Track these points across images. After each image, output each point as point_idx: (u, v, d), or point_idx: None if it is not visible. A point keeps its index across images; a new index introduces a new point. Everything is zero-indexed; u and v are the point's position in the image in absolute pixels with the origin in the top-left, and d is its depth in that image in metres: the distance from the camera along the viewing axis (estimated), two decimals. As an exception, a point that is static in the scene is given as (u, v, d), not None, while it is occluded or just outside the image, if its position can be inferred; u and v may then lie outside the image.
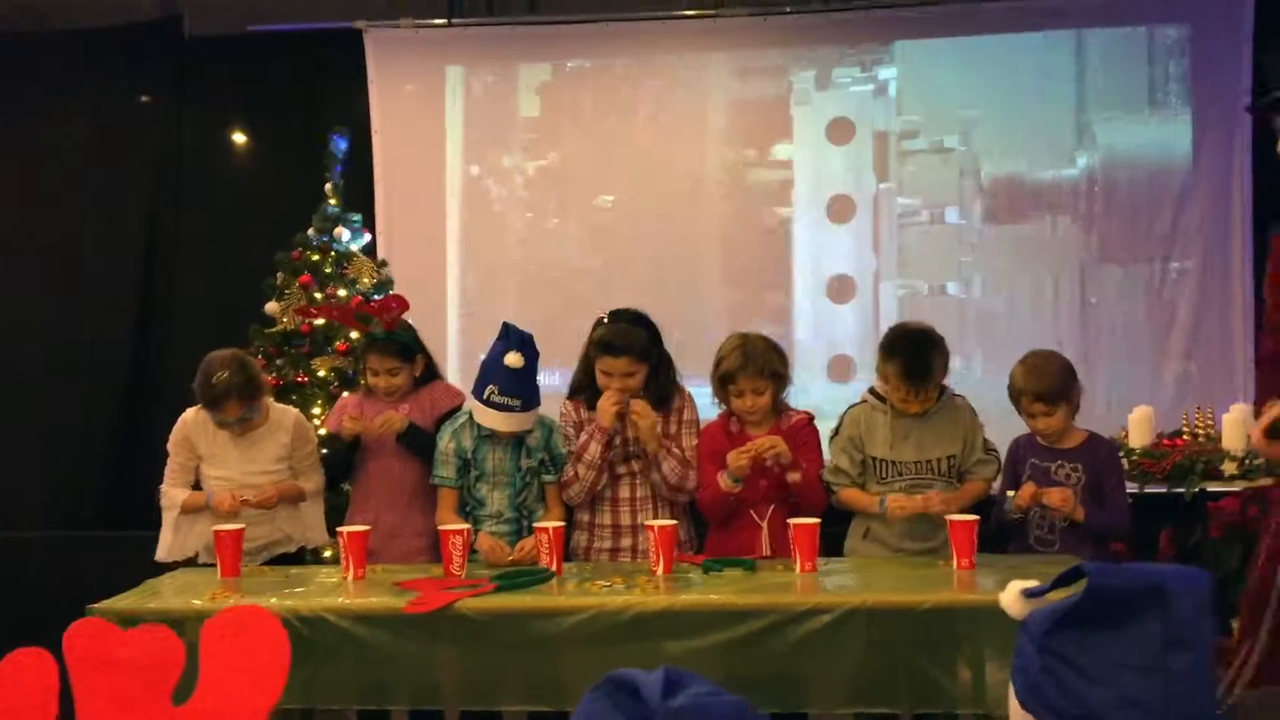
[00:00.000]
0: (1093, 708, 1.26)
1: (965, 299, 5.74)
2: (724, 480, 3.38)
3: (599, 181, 5.96)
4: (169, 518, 3.63)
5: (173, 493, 3.62)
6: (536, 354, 3.43)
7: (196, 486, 3.64)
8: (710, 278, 5.89)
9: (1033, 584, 1.43)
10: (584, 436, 3.47)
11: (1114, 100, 5.70)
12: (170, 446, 3.63)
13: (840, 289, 5.86)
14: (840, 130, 5.86)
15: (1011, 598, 1.43)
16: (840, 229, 5.86)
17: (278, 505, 3.59)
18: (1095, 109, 5.71)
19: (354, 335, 4.45)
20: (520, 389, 3.38)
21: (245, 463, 3.57)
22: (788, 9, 5.88)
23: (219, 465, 3.59)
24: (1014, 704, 1.35)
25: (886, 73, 5.83)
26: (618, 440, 3.49)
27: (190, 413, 3.63)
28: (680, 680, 1.20)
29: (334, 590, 3.02)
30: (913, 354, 3.36)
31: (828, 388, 5.67)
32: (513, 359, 3.34)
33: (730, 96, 5.92)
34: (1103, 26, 5.72)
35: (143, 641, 2.08)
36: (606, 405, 3.41)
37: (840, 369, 5.74)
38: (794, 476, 3.39)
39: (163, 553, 3.62)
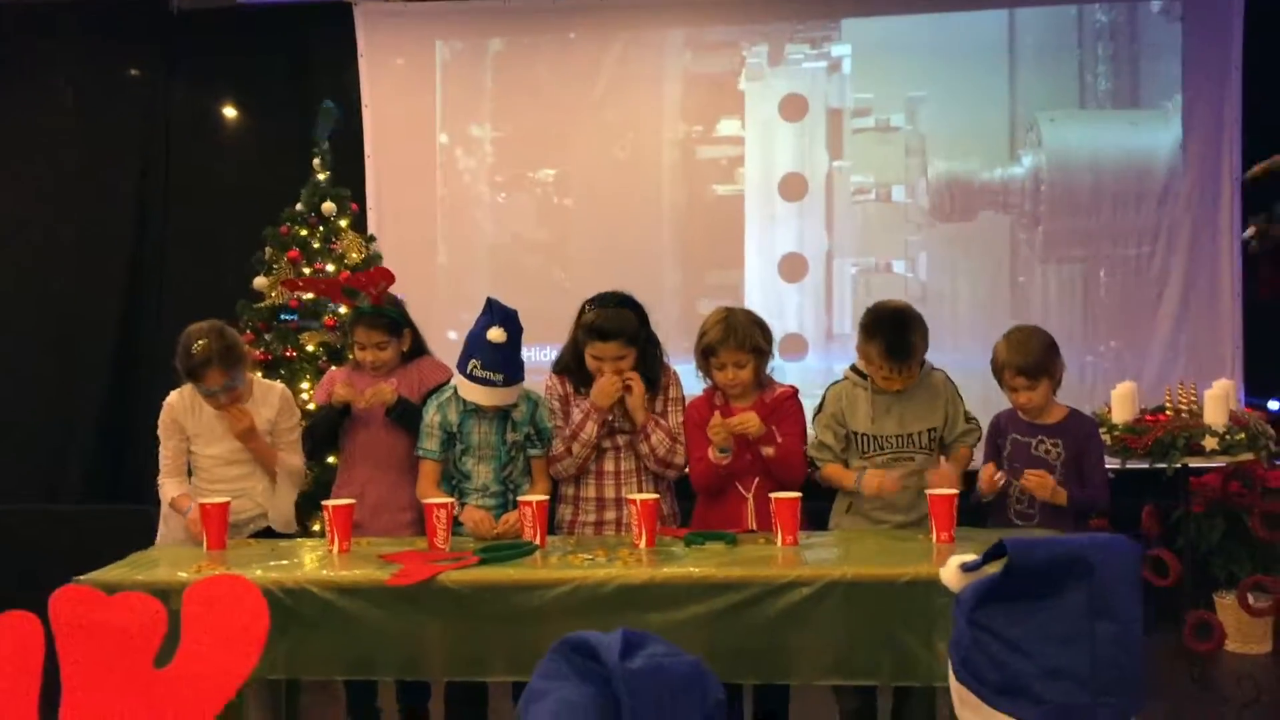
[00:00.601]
0: (1020, 678, 1.27)
1: (911, 278, 5.80)
2: (713, 452, 3.41)
3: (548, 156, 5.97)
4: (166, 507, 3.63)
5: (167, 485, 3.61)
6: (520, 329, 3.44)
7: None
8: (661, 255, 5.92)
9: (970, 558, 1.45)
10: (579, 415, 3.48)
11: (1084, 80, 5.70)
12: (160, 432, 3.62)
13: (791, 267, 5.87)
14: (793, 107, 5.86)
15: (950, 572, 1.45)
16: (792, 206, 5.86)
17: (259, 478, 3.60)
18: (1059, 88, 5.72)
19: (342, 310, 4.46)
20: (503, 364, 3.39)
21: (233, 440, 3.57)
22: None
23: (208, 443, 3.59)
24: (951, 677, 1.37)
25: (839, 49, 5.83)
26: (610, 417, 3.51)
27: (174, 395, 3.62)
28: (638, 641, 1.22)
29: (319, 563, 3.04)
30: (894, 333, 3.39)
31: (778, 365, 5.71)
32: (495, 334, 3.35)
33: (683, 71, 5.94)
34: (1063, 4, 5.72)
35: (126, 607, 2.10)
36: (606, 387, 3.42)
37: (791, 346, 5.75)
38: (768, 450, 3.42)
39: (161, 539, 3.63)
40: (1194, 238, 5.63)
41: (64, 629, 2.07)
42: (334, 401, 3.57)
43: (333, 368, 4.10)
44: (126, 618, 2.07)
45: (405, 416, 3.56)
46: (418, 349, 3.78)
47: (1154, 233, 5.68)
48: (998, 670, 1.29)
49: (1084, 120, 5.72)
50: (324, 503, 3.23)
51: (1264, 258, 2.90)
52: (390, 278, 3.70)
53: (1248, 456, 4.01)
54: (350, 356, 3.80)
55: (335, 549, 3.14)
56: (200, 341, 3.45)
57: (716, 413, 3.43)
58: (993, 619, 1.31)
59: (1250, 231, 3.52)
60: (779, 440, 3.42)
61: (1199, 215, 5.62)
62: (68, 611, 2.08)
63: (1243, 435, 3.96)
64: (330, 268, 4.77)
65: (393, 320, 3.67)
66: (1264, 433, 4.04)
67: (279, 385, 3.77)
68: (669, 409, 3.56)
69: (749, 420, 3.36)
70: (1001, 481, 3.37)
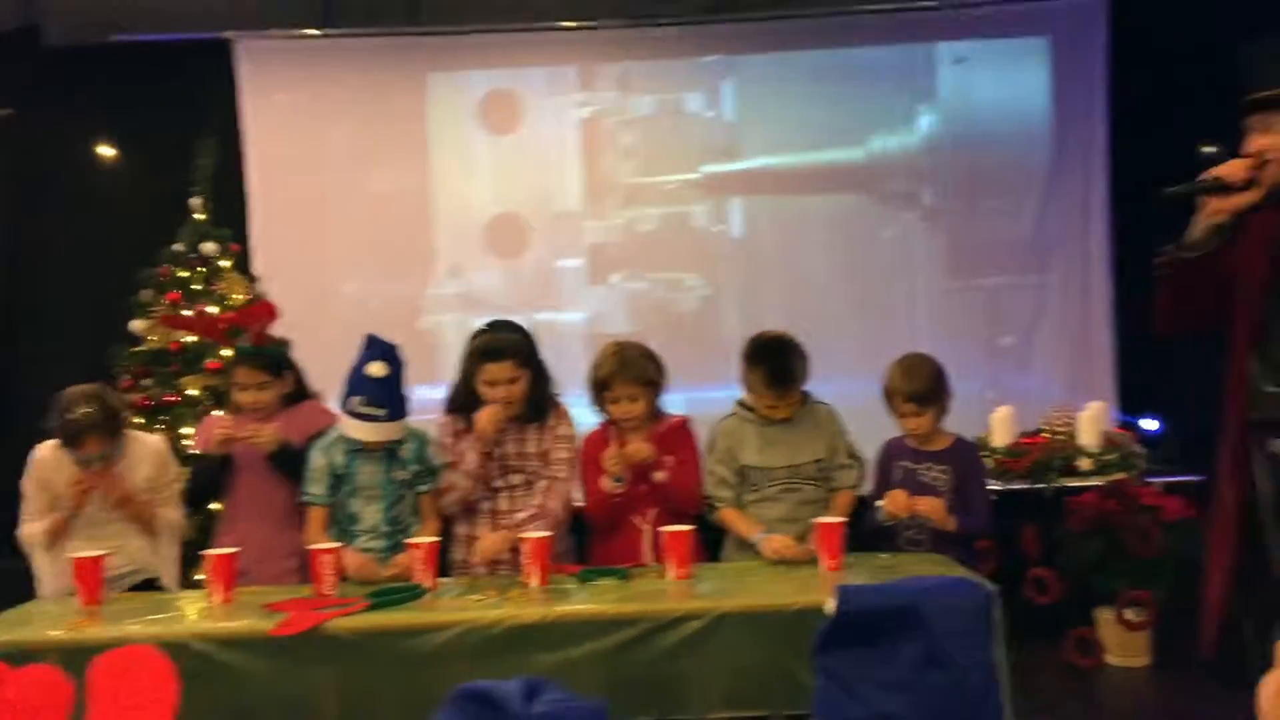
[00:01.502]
0: None
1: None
2: (606, 482, 3.42)
3: (473, 196, 5.96)
4: (40, 557, 3.48)
5: (27, 529, 3.47)
6: (401, 363, 3.41)
7: None
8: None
9: (846, 588, 1.47)
10: (462, 445, 3.45)
11: (973, 109, 5.89)
12: (26, 488, 3.48)
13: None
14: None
15: (830, 605, 1.47)
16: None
17: (133, 535, 3.49)
18: (951, 118, 5.90)
19: (225, 353, 4.35)
20: (385, 398, 3.35)
21: (106, 499, 3.45)
22: (662, 20, 5.93)
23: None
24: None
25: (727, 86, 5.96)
26: (497, 452, 3.48)
27: (44, 449, 3.49)
28: (538, 687, 1.21)
29: (200, 615, 2.95)
30: (775, 361, 3.45)
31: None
32: (375, 368, 3.31)
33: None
34: (955, 39, 5.92)
35: (31, 681, 2.01)
36: (486, 416, 3.40)
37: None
38: (659, 476, 3.46)
39: (47, 592, 3.47)
40: (1068, 265, 5.84)
41: None
42: (213, 450, 3.48)
43: (211, 413, 3.98)
44: (31, 692, 1.99)
45: (288, 462, 3.48)
46: (301, 393, 3.71)
47: (1030, 260, 5.87)
48: (836, 712, 1.31)
49: (957, 149, 5.90)
50: (204, 552, 3.13)
51: (1162, 289, 2.96)
52: (273, 313, 3.64)
53: (1121, 475, 4.16)
54: (231, 399, 3.70)
55: (217, 600, 3.05)
56: (82, 409, 3.33)
57: (613, 443, 3.44)
58: (835, 662, 1.33)
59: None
60: (669, 464, 3.46)
61: (1072, 243, 5.84)
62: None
63: (1115, 455, 4.11)
64: (212, 309, 4.66)
65: (274, 360, 3.59)
66: (1135, 452, 4.20)
67: (155, 439, 3.66)
68: (558, 445, 3.55)
69: (641, 447, 3.39)
70: (903, 507, 3.40)
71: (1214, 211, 2.71)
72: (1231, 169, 2.71)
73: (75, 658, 2.69)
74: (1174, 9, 5.50)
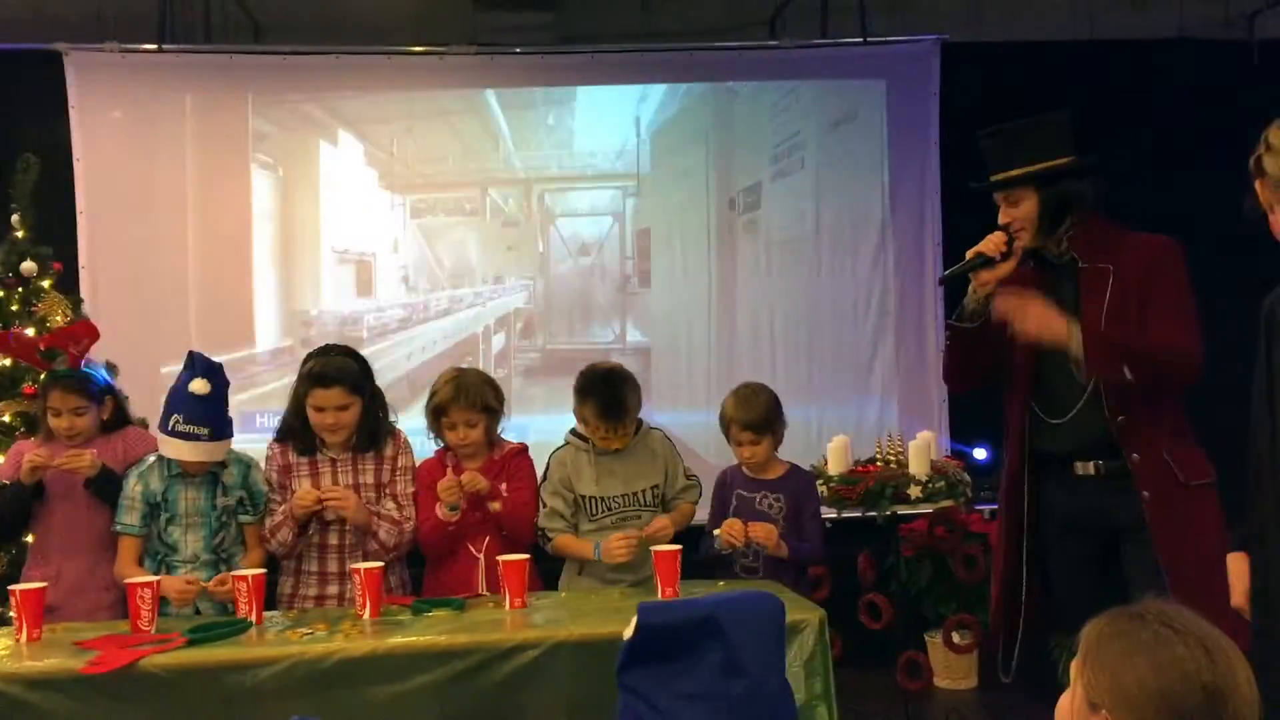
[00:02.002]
0: None
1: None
2: (441, 510, 3.39)
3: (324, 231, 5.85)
4: None
5: None
6: (226, 383, 3.31)
7: None
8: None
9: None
10: (278, 516, 3.35)
11: (817, 146, 6.08)
12: None
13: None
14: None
15: (630, 630, 1.48)
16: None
17: None
18: (792, 154, 6.07)
19: (43, 376, 4.12)
20: (208, 417, 3.24)
21: None
22: (517, 49, 5.95)
23: None
24: None
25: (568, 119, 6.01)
26: (331, 484, 3.40)
27: None
28: None
29: (5, 654, 2.77)
30: (607, 393, 3.47)
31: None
32: (198, 385, 3.20)
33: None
34: (801, 79, 6.10)
35: None
36: (302, 500, 3.30)
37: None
38: (495, 506, 3.44)
39: None
40: (902, 299, 6.06)
41: None
42: (23, 477, 3.30)
43: (19, 440, 3.78)
44: None
45: (106, 488, 3.32)
46: (121, 419, 3.55)
47: (868, 294, 6.07)
48: None
49: (803, 184, 6.07)
50: (11, 588, 2.96)
51: (948, 353, 3.29)
52: (93, 333, 3.48)
53: (948, 503, 4.32)
54: (43, 424, 3.51)
55: (24, 637, 2.87)
56: None
57: (450, 470, 3.41)
58: (637, 681, 1.34)
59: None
60: (504, 495, 3.44)
61: (906, 279, 6.06)
62: None
63: (943, 483, 4.26)
64: (31, 332, 4.41)
65: (92, 384, 3.43)
66: (962, 480, 4.37)
67: None
68: (397, 477, 3.49)
69: (476, 477, 3.37)
70: (740, 535, 3.45)
71: (982, 284, 3.05)
72: (989, 244, 3.05)
73: None
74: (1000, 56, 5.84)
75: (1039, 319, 2.92)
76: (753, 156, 6.06)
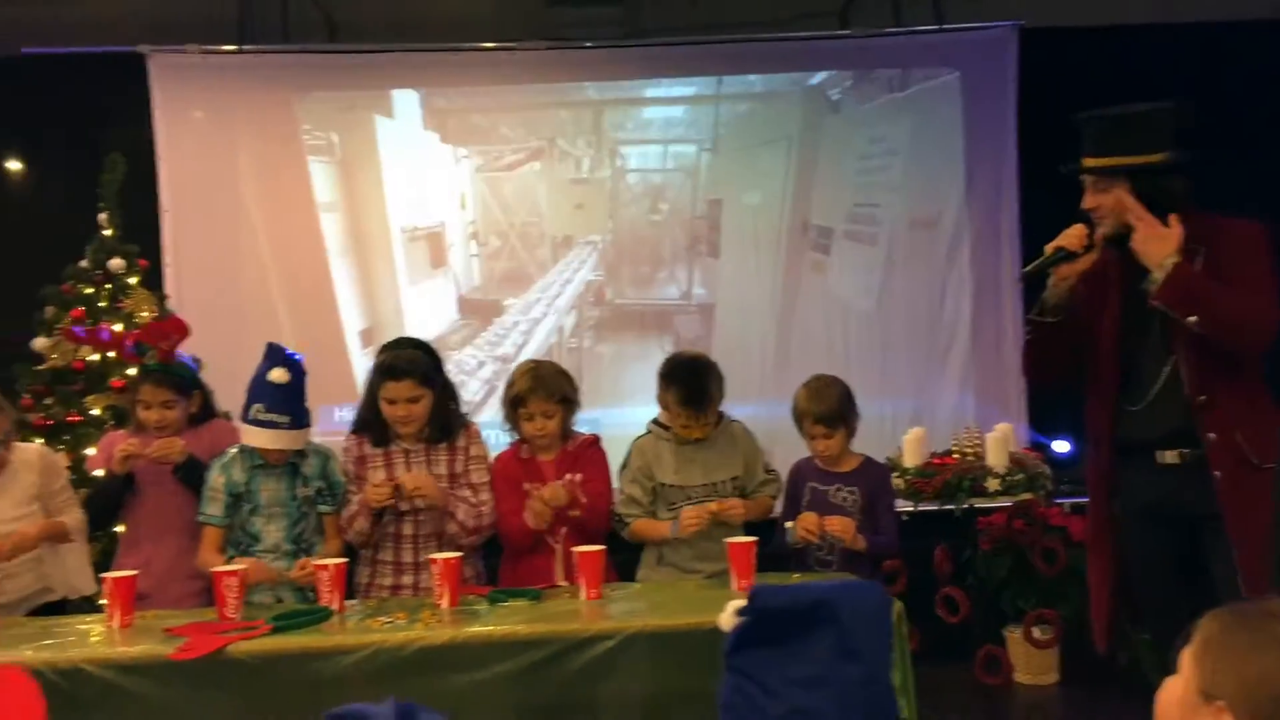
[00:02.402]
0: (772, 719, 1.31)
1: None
2: (530, 518, 3.41)
3: (392, 215, 5.92)
4: None
5: None
6: (303, 373, 3.37)
7: None
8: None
9: (744, 603, 1.49)
10: (354, 506, 3.39)
11: (889, 136, 6.01)
12: None
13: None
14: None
15: (726, 617, 1.48)
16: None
17: (39, 546, 3.37)
18: (870, 147, 6.01)
19: (131, 371, 4.25)
20: (287, 405, 3.30)
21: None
22: (588, 44, 5.97)
23: None
24: None
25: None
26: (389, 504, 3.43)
27: None
28: (411, 712, 1.19)
29: (96, 640, 2.86)
30: (691, 381, 3.47)
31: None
32: (277, 374, 3.27)
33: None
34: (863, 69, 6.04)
35: None
36: (375, 489, 3.33)
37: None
38: (575, 514, 3.45)
39: None
40: (979, 287, 5.97)
41: None
42: (115, 468, 3.39)
43: (110, 432, 3.88)
44: None
45: (194, 476, 3.40)
46: (208, 412, 3.64)
47: (943, 283, 5.99)
48: (755, 713, 1.33)
49: (879, 174, 6.01)
50: (104, 575, 3.05)
51: (1028, 347, 3.24)
52: (184, 330, 3.56)
53: (1027, 496, 4.25)
54: (133, 418, 3.60)
55: (115, 623, 2.95)
56: None
57: (538, 492, 3.39)
58: (749, 663, 1.35)
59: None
60: (583, 501, 3.45)
61: (984, 266, 5.97)
62: None
63: (1022, 476, 4.19)
64: (118, 327, 4.54)
65: (182, 379, 3.52)
66: (1042, 473, 4.29)
67: (35, 446, 3.59)
68: (470, 467, 3.52)
69: (558, 493, 3.38)
70: (816, 529, 3.43)
71: (1063, 277, 3.01)
72: (1070, 237, 2.99)
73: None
74: (1079, 41, 5.71)
75: (1149, 230, 2.86)
76: (831, 150, 6.00)
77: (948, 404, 5.91)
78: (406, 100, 5.95)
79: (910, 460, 4.29)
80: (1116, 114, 3.02)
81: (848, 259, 6.00)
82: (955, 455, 4.35)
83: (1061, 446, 5.52)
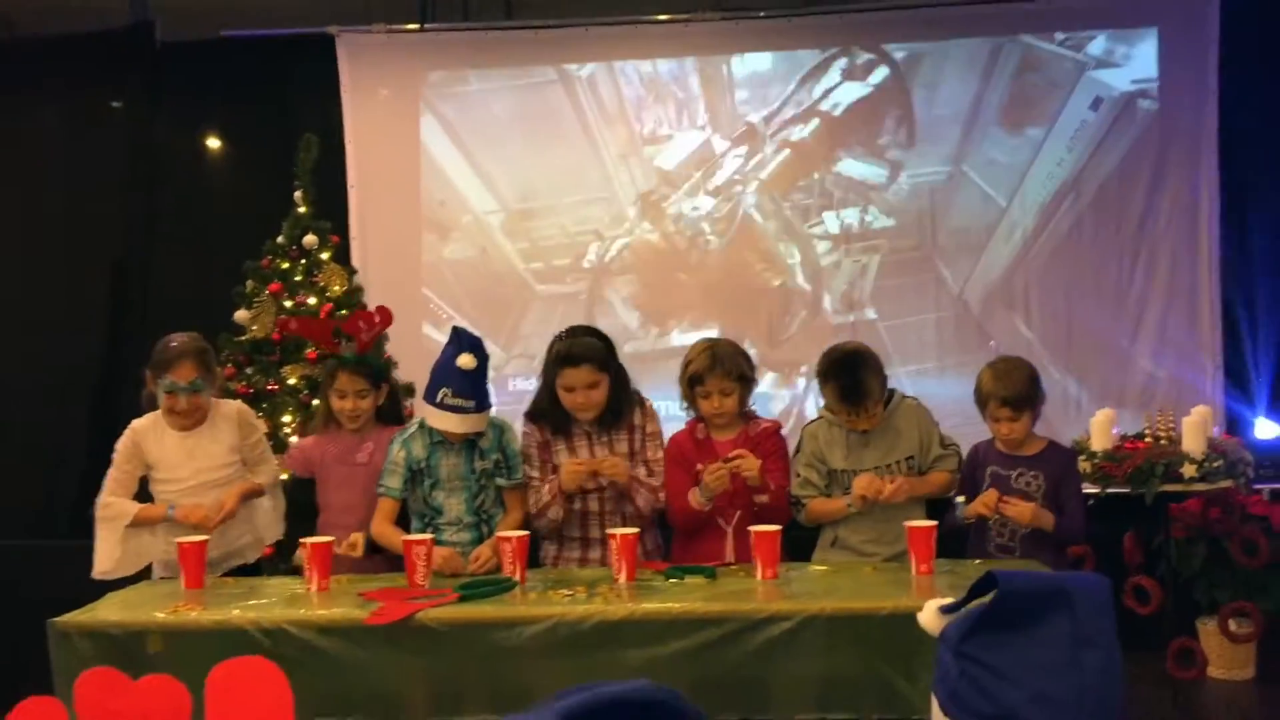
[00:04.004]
0: (1009, 706, 1.30)
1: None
2: (696, 498, 3.41)
3: (569, 189, 5.98)
4: (113, 529, 3.47)
5: (119, 503, 3.50)
6: (486, 356, 3.45)
7: (137, 499, 3.56)
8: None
9: (948, 601, 1.46)
10: (545, 495, 3.46)
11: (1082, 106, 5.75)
12: (116, 455, 3.54)
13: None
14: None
15: (929, 615, 1.46)
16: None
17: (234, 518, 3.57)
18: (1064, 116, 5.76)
19: (330, 359, 4.44)
20: (473, 390, 3.39)
21: (196, 463, 3.54)
22: (761, 13, 5.90)
23: (170, 469, 3.54)
24: (937, 713, 1.38)
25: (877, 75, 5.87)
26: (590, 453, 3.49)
27: (138, 421, 3.59)
28: (676, 696, 1.15)
29: (296, 602, 3.02)
30: (846, 377, 3.41)
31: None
32: (465, 360, 3.35)
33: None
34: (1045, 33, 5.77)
35: (151, 692, 2.08)
36: (573, 471, 3.40)
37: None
38: (762, 499, 3.43)
39: (107, 565, 3.47)
40: (1173, 264, 5.66)
41: (88, 715, 2.04)
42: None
43: (294, 439, 4.08)
44: (151, 703, 2.05)
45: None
46: (394, 412, 3.79)
47: (1134, 256, 5.70)
48: (988, 700, 1.31)
49: (1066, 149, 5.76)
50: (302, 540, 3.21)
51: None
52: (388, 318, 3.69)
53: (1226, 483, 4.02)
54: (321, 404, 3.73)
55: (314, 587, 3.12)
56: (180, 337, 3.51)
57: (720, 460, 3.40)
58: (981, 650, 1.33)
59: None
60: (772, 488, 3.43)
61: (1177, 240, 5.65)
62: (92, 697, 2.06)
63: (1220, 462, 3.97)
64: (312, 300, 4.75)
65: (375, 369, 3.67)
66: (1242, 459, 4.06)
67: (235, 402, 3.79)
68: (646, 444, 3.55)
69: (750, 462, 3.35)
70: (992, 505, 3.34)
71: None
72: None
73: (177, 640, 2.82)
74: None
75: None
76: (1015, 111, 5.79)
77: (1134, 383, 5.64)
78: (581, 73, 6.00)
79: (1099, 443, 4.11)
80: None
81: (1035, 180, 5.77)
82: (1147, 439, 4.15)
83: (1266, 430, 5.20)
